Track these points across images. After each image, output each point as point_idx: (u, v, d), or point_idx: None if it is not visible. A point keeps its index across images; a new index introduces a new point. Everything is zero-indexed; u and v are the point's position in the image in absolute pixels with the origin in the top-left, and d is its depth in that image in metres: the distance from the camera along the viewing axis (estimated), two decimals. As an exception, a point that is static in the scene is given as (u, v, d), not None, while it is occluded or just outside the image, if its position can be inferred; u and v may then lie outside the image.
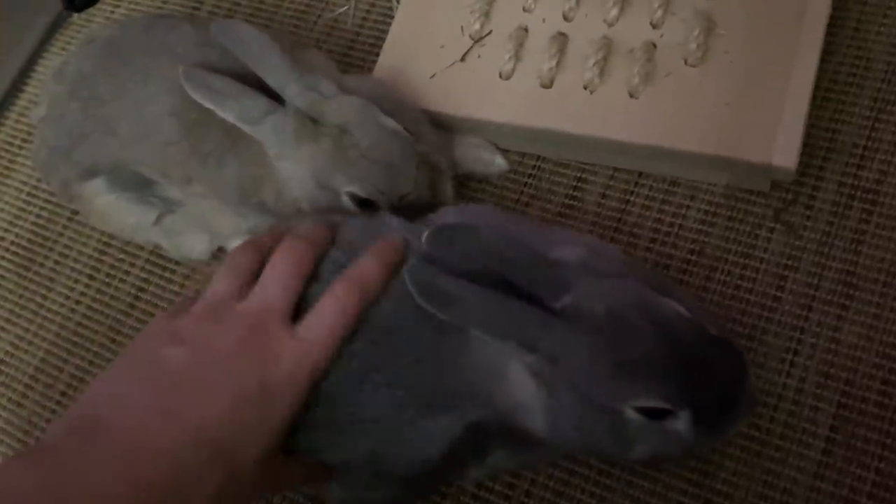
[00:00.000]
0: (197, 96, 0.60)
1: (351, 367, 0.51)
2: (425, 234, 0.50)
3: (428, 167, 0.61)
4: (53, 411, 0.74)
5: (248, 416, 0.46)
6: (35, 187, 0.84)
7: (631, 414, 0.48)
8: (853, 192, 0.64)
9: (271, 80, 0.60)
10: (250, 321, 0.48)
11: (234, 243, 0.70)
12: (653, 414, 0.48)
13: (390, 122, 0.60)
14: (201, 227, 0.70)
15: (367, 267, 0.51)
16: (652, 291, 0.50)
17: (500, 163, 0.71)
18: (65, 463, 0.43)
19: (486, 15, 0.73)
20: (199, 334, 0.48)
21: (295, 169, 0.61)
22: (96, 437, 0.44)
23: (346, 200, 0.60)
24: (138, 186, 0.68)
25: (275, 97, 0.61)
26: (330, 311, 0.49)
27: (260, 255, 0.52)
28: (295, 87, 0.60)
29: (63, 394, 0.74)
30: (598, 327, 0.48)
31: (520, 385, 0.50)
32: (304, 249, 0.51)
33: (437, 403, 0.51)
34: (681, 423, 0.49)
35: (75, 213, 0.80)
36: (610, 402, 0.48)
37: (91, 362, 0.75)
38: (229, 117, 0.60)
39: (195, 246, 0.71)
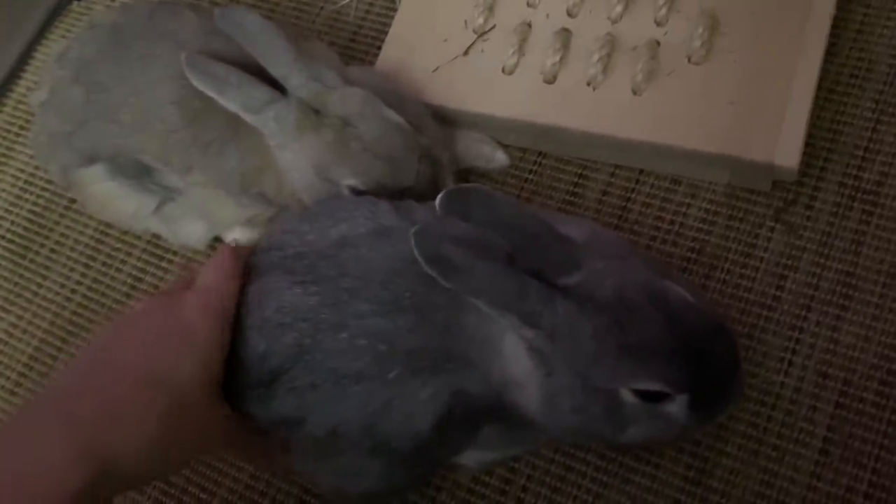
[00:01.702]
0: (198, 83, 0.59)
1: (321, 317, 0.51)
2: (439, 195, 0.49)
3: (430, 161, 0.61)
4: (48, 400, 0.73)
5: (170, 344, 0.53)
6: (32, 174, 0.83)
7: (628, 396, 0.48)
8: (854, 193, 0.64)
9: (274, 70, 0.60)
10: (167, 293, 0.58)
11: (231, 233, 0.70)
12: (649, 397, 0.48)
13: (393, 115, 0.60)
14: (200, 215, 0.69)
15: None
16: (657, 275, 0.50)
17: (501, 158, 0.71)
18: (19, 443, 0.49)
19: (490, 9, 0.72)
20: (140, 307, 0.58)
21: (296, 160, 0.60)
22: (44, 417, 0.51)
23: (345, 193, 0.60)
24: (138, 174, 0.68)
25: (277, 87, 0.60)
26: (214, 264, 0.58)
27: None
28: (298, 77, 0.60)
29: (58, 382, 0.74)
30: (606, 308, 0.48)
31: (515, 359, 0.50)
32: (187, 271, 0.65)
33: (424, 365, 0.51)
34: (676, 406, 0.49)
35: (73, 201, 0.79)
36: (610, 383, 0.48)
37: (86, 351, 0.74)
38: (231, 106, 0.60)
39: (192, 233, 0.71)
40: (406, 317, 0.51)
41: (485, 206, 0.49)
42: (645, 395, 0.48)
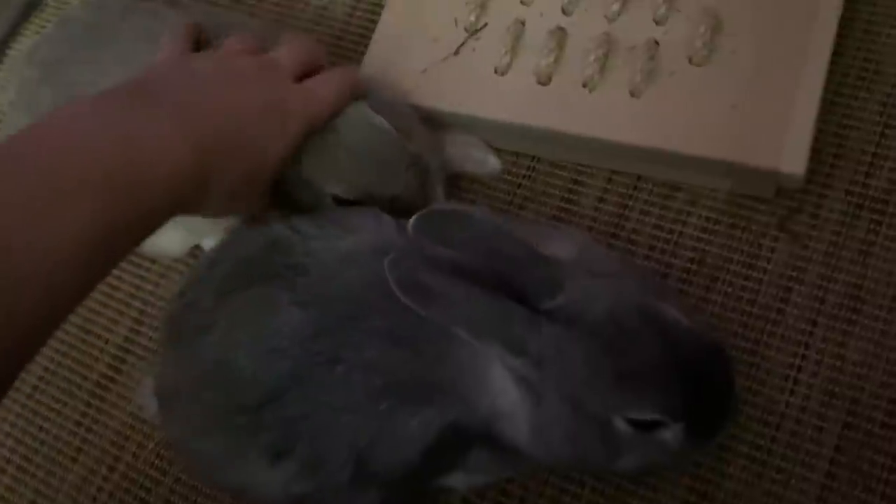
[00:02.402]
0: None
1: (318, 347, 0.49)
2: (412, 218, 0.47)
3: (418, 168, 0.58)
4: (19, 414, 0.70)
5: (271, 123, 0.53)
6: (5, 177, 0.80)
7: (621, 424, 0.46)
8: (861, 200, 0.61)
9: None
10: (261, 62, 0.56)
11: (210, 241, 0.67)
12: (644, 425, 0.46)
13: (379, 120, 0.57)
14: (175, 224, 0.66)
15: (347, 68, 0.63)
16: (650, 295, 0.47)
17: (492, 162, 0.68)
18: (125, 113, 0.48)
19: (482, 7, 0.69)
20: (219, 58, 0.56)
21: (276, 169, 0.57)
22: (150, 101, 0.50)
23: (329, 202, 0.57)
24: None
25: None
26: (337, 77, 0.58)
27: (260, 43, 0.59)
28: None
29: (29, 396, 0.71)
30: (596, 332, 0.46)
31: (502, 391, 0.48)
32: (318, 48, 0.61)
33: (414, 395, 0.49)
34: (672, 433, 0.47)
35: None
36: (603, 412, 0.46)
37: (59, 363, 0.71)
38: None
39: (170, 243, 0.68)
40: (401, 349, 0.49)
41: (463, 229, 0.47)
42: (640, 424, 0.46)
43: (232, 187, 0.53)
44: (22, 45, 0.85)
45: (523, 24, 0.68)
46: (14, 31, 0.86)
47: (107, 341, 0.71)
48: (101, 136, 0.46)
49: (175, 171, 0.48)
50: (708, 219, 0.63)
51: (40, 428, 0.69)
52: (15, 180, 0.43)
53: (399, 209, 0.56)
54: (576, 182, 0.67)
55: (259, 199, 0.57)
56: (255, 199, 0.56)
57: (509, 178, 0.68)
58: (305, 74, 0.58)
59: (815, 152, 0.61)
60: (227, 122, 0.52)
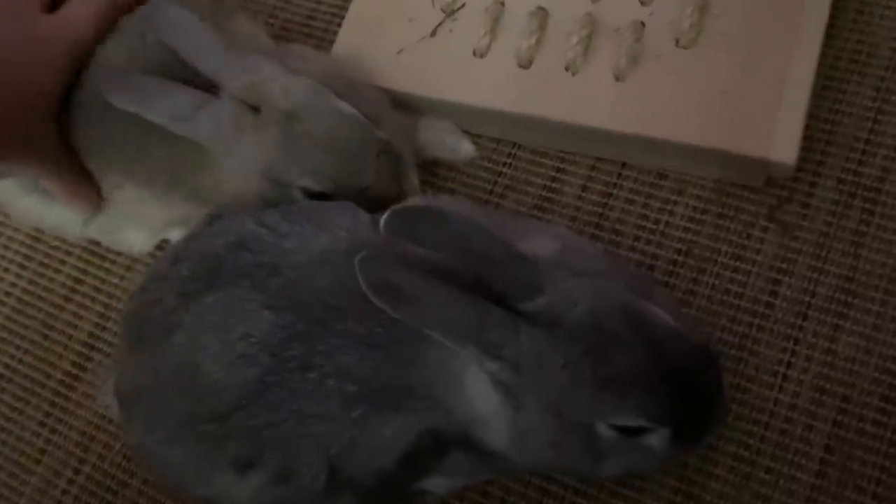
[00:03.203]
0: (119, 102, 0.53)
1: (290, 353, 0.47)
2: (384, 216, 0.44)
3: (389, 156, 0.55)
4: (-21, 414, 0.67)
5: (25, 50, 0.53)
6: (-39, 165, 0.76)
7: (604, 430, 0.45)
8: (853, 189, 0.59)
9: (203, 65, 0.53)
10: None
11: (175, 234, 0.64)
12: (628, 430, 0.45)
13: (346, 107, 0.54)
14: (136, 224, 0.63)
15: None
16: (635, 296, 0.45)
17: (466, 149, 0.65)
18: None
19: (460, -14, 0.66)
20: None
21: (242, 164, 0.54)
22: None
23: (297, 195, 0.54)
24: None
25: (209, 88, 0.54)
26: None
27: None
28: (231, 71, 0.53)
29: (-11, 395, 0.68)
30: (578, 335, 0.44)
31: (479, 396, 0.46)
32: None
33: (389, 401, 0.47)
34: (657, 438, 0.45)
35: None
36: (585, 418, 0.44)
37: (21, 360, 0.68)
38: (159, 119, 0.53)
39: (135, 242, 0.65)
40: (375, 354, 0.46)
41: (437, 227, 0.44)
42: (624, 429, 0.44)
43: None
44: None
45: (503, 4, 0.65)
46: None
47: (70, 337, 0.68)
48: None
49: None
50: (695, 208, 0.61)
51: (1, 428, 0.67)
52: None
53: (372, 200, 0.53)
54: (558, 170, 0.64)
55: (35, 146, 0.56)
56: (22, 144, 0.55)
57: (489, 165, 0.66)
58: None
59: (807, 139, 0.59)
60: None
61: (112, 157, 0.58)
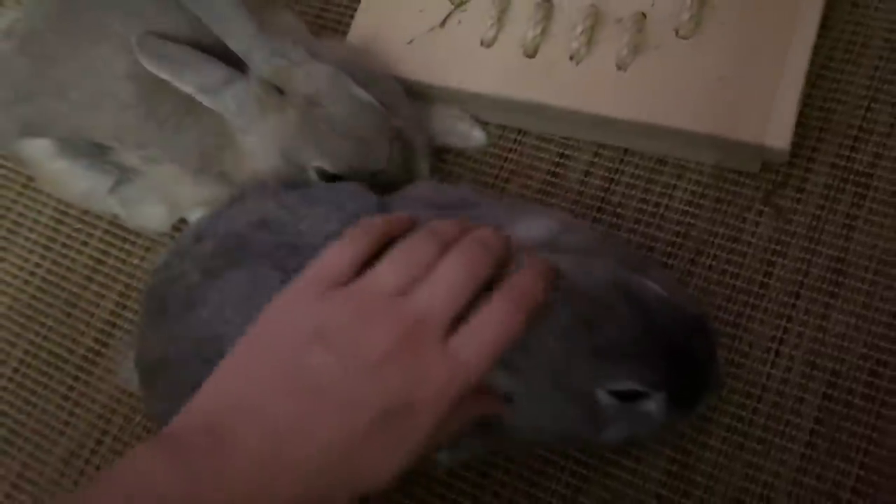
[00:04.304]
0: (152, 67, 0.55)
1: None
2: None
3: (402, 143, 0.57)
4: (5, 388, 0.70)
5: (385, 436, 0.41)
6: (-13, 151, 0.79)
7: (604, 397, 0.47)
8: (846, 175, 0.61)
9: (235, 45, 0.56)
10: (407, 325, 0.42)
11: (194, 214, 0.66)
12: (626, 396, 0.47)
13: (363, 94, 0.56)
14: (159, 198, 0.66)
15: (531, 280, 0.44)
16: (628, 270, 0.48)
17: (477, 136, 0.67)
18: (198, 465, 0.40)
19: (468, -23, 0.69)
20: (348, 334, 0.42)
21: (261, 143, 0.57)
22: (227, 442, 0.41)
23: (312, 176, 0.56)
24: (92, 153, 0.64)
25: (240, 65, 0.56)
26: (491, 328, 0.42)
27: (443, 248, 0.44)
28: (260, 53, 0.56)
29: (15, 370, 0.70)
30: (570, 307, 0.46)
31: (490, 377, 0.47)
32: (484, 261, 0.44)
33: None
34: (654, 404, 0.48)
35: (31, 179, 0.76)
36: (584, 385, 0.47)
37: (45, 337, 0.71)
38: (187, 88, 0.56)
39: (152, 217, 0.67)
40: None
41: None
42: (621, 395, 0.46)
43: None
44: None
45: (510, -5, 0.68)
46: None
47: (92, 315, 0.71)
48: (168, 495, 0.40)
49: None
50: (693, 192, 0.63)
51: (26, 401, 0.69)
52: None
53: (382, 184, 0.56)
54: (562, 155, 0.67)
55: None
56: None
57: (495, 151, 0.68)
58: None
59: (801, 126, 0.62)
60: (324, 456, 0.41)
61: (152, 131, 0.60)
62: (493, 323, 0.42)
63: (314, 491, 0.41)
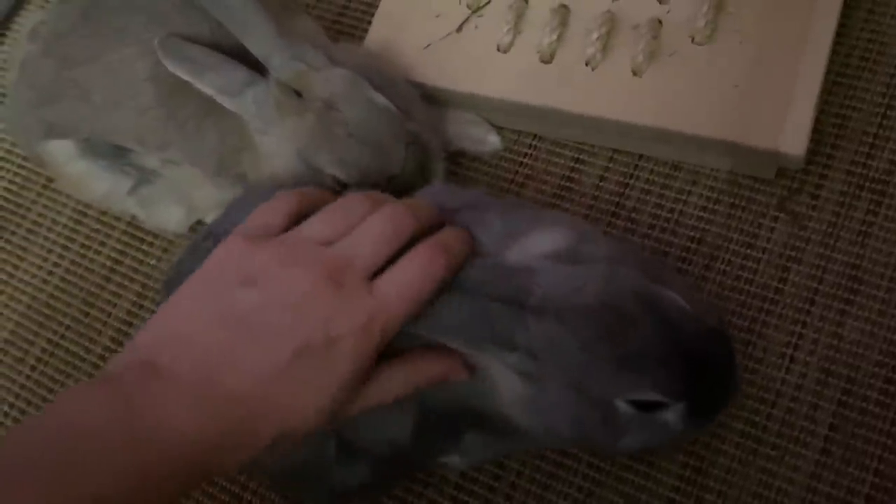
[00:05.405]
0: (174, 68, 0.56)
1: None
2: None
3: (418, 148, 0.58)
4: (23, 386, 0.71)
5: (308, 370, 0.44)
6: (9, 151, 0.80)
7: (623, 406, 0.47)
8: (862, 182, 0.61)
9: (255, 48, 0.57)
10: (330, 267, 0.45)
11: (211, 216, 0.67)
12: (645, 406, 0.47)
13: (380, 99, 0.57)
14: (178, 199, 0.66)
15: (454, 236, 0.48)
16: (648, 278, 0.48)
17: (493, 141, 0.68)
18: (132, 397, 0.43)
19: (485, -17, 0.69)
20: (274, 275, 0.46)
21: (279, 145, 0.57)
22: (162, 374, 0.43)
23: (328, 180, 0.57)
24: (112, 154, 0.65)
25: (259, 68, 0.57)
26: (413, 270, 0.46)
27: (373, 209, 0.49)
28: (280, 57, 0.56)
29: (33, 368, 0.71)
30: (590, 318, 0.46)
31: (505, 384, 0.48)
32: (407, 221, 0.48)
33: None
34: (673, 414, 0.47)
35: (50, 180, 0.77)
36: (604, 395, 0.47)
37: (63, 336, 0.72)
38: (207, 90, 0.56)
39: (171, 218, 0.68)
40: None
41: None
42: (640, 405, 0.46)
43: (254, 454, 0.44)
44: (23, 23, 0.85)
45: (526, 1, 0.68)
46: (15, 9, 0.86)
47: (109, 314, 0.72)
48: (103, 426, 0.42)
49: (183, 456, 0.42)
50: (708, 198, 0.64)
51: (44, 399, 0.70)
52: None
53: (397, 188, 0.56)
54: (577, 161, 0.67)
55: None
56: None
57: (510, 156, 0.69)
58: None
59: (817, 133, 0.62)
60: (249, 385, 0.43)
61: (173, 133, 0.61)
62: (415, 266, 0.46)
63: (240, 424, 0.43)
